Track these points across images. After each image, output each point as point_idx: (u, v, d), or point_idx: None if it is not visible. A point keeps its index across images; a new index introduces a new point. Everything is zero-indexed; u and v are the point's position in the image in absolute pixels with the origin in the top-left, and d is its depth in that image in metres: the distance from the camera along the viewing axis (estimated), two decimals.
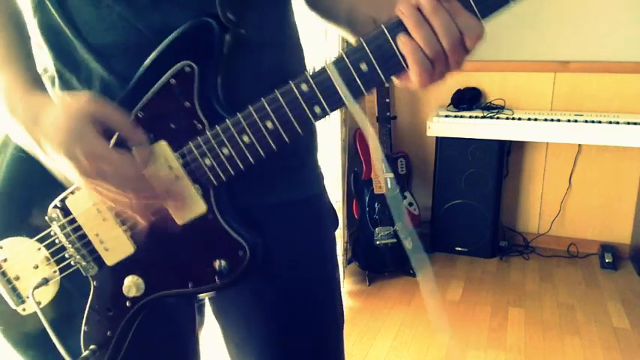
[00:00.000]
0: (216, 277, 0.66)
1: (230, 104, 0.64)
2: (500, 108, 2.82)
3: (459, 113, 2.77)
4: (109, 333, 0.69)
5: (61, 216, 0.67)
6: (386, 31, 0.55)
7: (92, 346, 0.70)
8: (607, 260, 2.79)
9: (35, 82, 0.63)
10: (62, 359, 0.69)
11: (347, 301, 2.54)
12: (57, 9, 0.64)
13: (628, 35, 2.67)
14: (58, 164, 0.59)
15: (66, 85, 0.68)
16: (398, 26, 0.55)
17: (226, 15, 0.62)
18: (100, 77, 0.65)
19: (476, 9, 0.53)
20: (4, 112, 0.60)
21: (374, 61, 0.56)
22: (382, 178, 2.63)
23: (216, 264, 0.66)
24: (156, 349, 0.76)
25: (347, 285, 2.66)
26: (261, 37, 0.67)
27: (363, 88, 0.57)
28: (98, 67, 0.65)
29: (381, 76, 0.57)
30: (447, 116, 2.73)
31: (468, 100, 2.85)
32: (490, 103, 2.88)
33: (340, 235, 2.54)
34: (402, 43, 0.55)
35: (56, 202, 0.67)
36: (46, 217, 0.67)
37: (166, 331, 0.77)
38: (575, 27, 2.72)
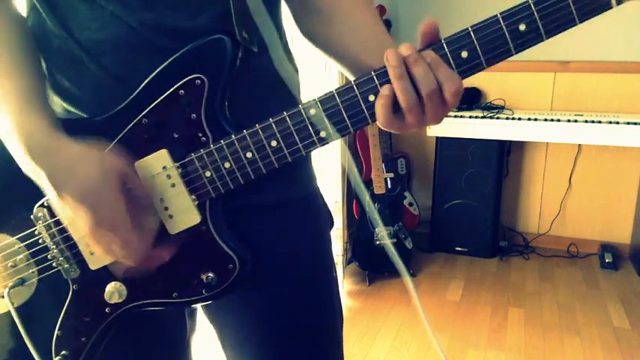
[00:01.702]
0: (203, 290, 0.66)
1: (228, 106, 0.65)
2: (500, 108, 2.82)
3: (459, 113, 2.77)
4: (83, 339, 0.68)
5: (47, 216, 0.66)
6: (375, 78, 0.59)
7: (64, 352, 0.68)
8: (607, 260, 2.80)
9: (58, 126, 0.62)
10: None
11: (347, 301, 2.54)
12: (48, 11, 0.64)
13: (628, 35, 2.67)
14: (72, 211, 0.58)
15: (56, 86, 0.68)
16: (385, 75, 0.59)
17: (242, 34, 0.63)
18: (93, 76, 0.65)
19: (455, 69, 0.58)
20: (20, 154, 0.60)
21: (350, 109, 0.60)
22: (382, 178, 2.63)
23: (204, 276, 0.66)
24: (145, 356, 0.76)
25: (347, 285, 2.66)
26: (257, 42, 0.67)
27: (370, 119, 0.60)
28: (90, 66, 0.64)
29: (368, 119, 0.61)
30: (446, 116, 2.72)
31: (468, 100, 2.85)
32: (490, 103, 2.88)
33: (340, 235, 2.54)
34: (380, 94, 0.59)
35: (43, 201, 0.66)
36: (32, 216, 0.66)
37: (155, 336, 0.76)
38: (575, 27, 2.71)
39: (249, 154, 0.62)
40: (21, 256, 0.68)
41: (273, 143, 0.62)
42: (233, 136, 0.62)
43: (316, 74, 2.20)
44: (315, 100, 0.60)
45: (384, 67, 0.58)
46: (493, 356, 2.11)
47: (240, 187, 0.64)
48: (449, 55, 0.57)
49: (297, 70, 0.79)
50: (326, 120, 0.60)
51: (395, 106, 0.58)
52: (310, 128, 0.61)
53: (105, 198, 0.56)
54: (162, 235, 0.65)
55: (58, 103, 0.68)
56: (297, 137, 0.61)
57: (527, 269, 2.84)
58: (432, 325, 2.32)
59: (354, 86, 0.59)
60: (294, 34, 0.80)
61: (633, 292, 2.58)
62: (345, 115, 0.60)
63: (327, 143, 0.62)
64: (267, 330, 0.77)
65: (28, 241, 0.68)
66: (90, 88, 0.66)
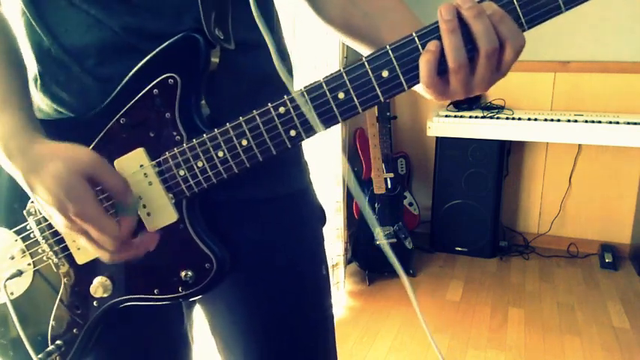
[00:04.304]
0: (180, 287, 0.67)
1: (209, 105, 0.65)
2: (500, 108, 2.82)
3: (459, 113, 2.77)
4: (75, 330, 0.70)
5: (38, 211, 0.68)
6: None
7: (58, 342, 0.70)
8: (607, 260, 2.80)
9: (34, 127, 0.63)
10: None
11: (347, 301, 2.55)
12: (35, 15, 0.65)
13: (628, 35, 2.67)
14: (45, 210, 0.60)
15: (46, 88, 0.69)
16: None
17: (213, 33, 0.63)
18: (78, 79, 0.66)
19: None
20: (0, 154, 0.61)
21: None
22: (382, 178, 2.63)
23: (183, 274, 0.66)
24: (145, 349, 0.77)
25: (347, 285, 2.66)
26: (240, 41, 0.67)
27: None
28: (76, 69, 0.66)
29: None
30: (447, 116, 2.73)
31: (467, 100, 2.85)
32: (490, 103, 2.88)
33: (340, 235, 2.54)
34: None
35: (34, 203, 0.68)
36: (24, 211, 0.68)
37: (155, 329, 0.78)
38: (575, 27, 2.72)
39: (220, 153, 0.62)
40: (18, 248, 0.70)
41: (244, 142, 0.61)
42: (205, 134, 0.62)
43: (316, 40, 2.17)
44: (285, 98, 0.60)
45: (379, 50, 0.55)
46: (493, 356, 2.11)
47: (232, 179, 0.65)
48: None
49: (291, 68, 0.79)
50: (295, 118, 0.59)
51: (440, 66, 0.54)
52: (279, 127, 0.60)
53: (73, 192, 0.57)
54: (142, 232, 0.65)
55: (49, 105, 0.70)
56: (266, 136, 0.61)
57: (527, 269, 2.84)
58: (432, 326, 2.32)
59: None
60: (296, 30, 0.79)
61: (633, 292, 2.58)
62: (314, 114, 0.59)
63: (299, 142, 0.61)
64: (256, 321, 0.78)
65: (23, 235, 0.70)
66: (76, 91, 0.67)
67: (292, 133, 0.60)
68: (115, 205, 0.62)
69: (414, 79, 0.56)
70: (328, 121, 0.59)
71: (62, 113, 0.69)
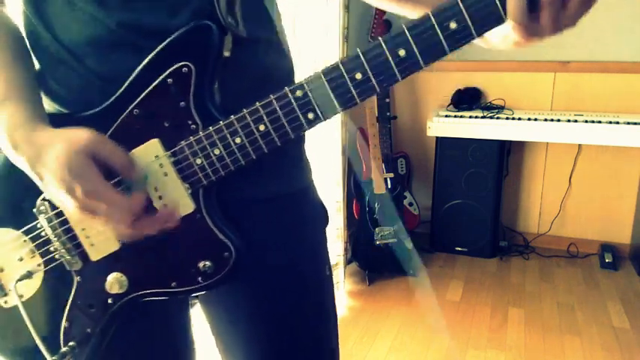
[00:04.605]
0: (199, 278, 0.67)
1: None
2: (500, 108, 2.82)
3: (459, 113, 2.77)
4: (88, 330, 0.69)
5: (49, 208, 0.67)
6: None
7: (71, 343, 0.69)
8: (607, 260, 2.80)
9: (39, 117, 0.63)
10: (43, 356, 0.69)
11: (347, 301, 2.54)
12: (34, 13, 0.65)
13: (628, 35, 2.67)
14: (55, 196, 0.60)
15: (46, 86, 0.69)
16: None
17: (227, 19, 0.63)
18: (79, 76, 0.66)
19: None
20: (5, 145, 0.62)
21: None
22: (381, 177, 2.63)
23: (201, 264, 0.66)
24: (149, 348, 0.77)
25: (347, 285, 2.66)
26: (249, 34, 0.67)
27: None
28: (76, 67, 0.66)
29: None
30: (447, 116, 2.73)
31: (468, 100, 2.85)
32: (490, 103, 2.88)
33: (340, 235, 2.54)
34: None
35: (45, 194, 0.67)
36: (34, 210, 0.67)
37: (159, 329, 0.77)
38: (576, 27, 2.71)
39: (237, 140, 0.62)
40: (27, 249, 0.69)
41: (261, 127, 0.62)
42: (221, 122, 0.62)
43: (316, 38, 2.17)
44: (302, 81, 0.60)
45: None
46: (493, 356, 2.11)
47: (232, 179, 0.65)
48: None
49: (290, 60, 0.79)
50: (313, 100, 0.60)
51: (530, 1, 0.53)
52: (297, 110, 0.60)
53: (78, 170, 0.57)
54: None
55: (50, 104, 0.69)
56: (284, 119, 0.61)
57: (527, 269, 2.84)
58: (432, 326, 2.32)
59: (340, 67, 0.58)
60: (296, 29, 0.79)
61: (633, 292, 2.58)
62: (332, 95, 0.59)
63: (315, 125, 0.61)
64: (258, 322, 0.78)
65: (32, 234, 0.69)
66: (76, 89, 0.67)
67: (310, 115, 0.61)
68: (123, 182, 0.62)
69: (430, 59, 0.57)
70: (346, 102, 0.60)
71: (61, 111, 0.69)
